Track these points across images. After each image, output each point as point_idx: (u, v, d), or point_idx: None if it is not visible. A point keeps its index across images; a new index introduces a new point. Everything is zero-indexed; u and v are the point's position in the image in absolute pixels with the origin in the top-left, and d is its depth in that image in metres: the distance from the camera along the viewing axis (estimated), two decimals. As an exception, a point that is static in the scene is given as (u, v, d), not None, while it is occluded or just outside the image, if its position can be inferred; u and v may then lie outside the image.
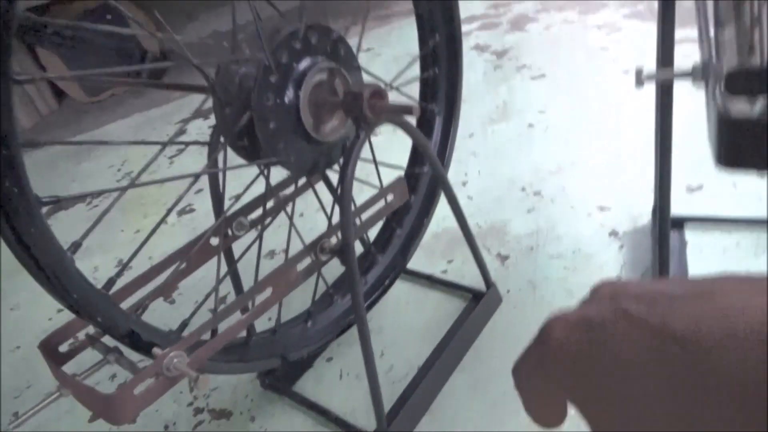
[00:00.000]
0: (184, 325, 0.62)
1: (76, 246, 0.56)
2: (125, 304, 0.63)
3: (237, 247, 0.80)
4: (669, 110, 0.72)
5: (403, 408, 0.80)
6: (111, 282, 0.58)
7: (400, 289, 1.04)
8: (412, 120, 0.79)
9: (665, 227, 0.73)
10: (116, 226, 1.53)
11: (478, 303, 0.95)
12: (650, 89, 0.78)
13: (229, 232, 0.76)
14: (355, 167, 0.64)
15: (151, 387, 0.55)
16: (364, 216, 0.75)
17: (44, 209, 0.51)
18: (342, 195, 0.63)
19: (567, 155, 1.29)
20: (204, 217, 1.46)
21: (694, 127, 0.81)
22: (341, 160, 0.69)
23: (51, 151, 2.17)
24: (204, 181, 1.66)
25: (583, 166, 1.24)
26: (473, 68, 1.79)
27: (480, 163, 1.36)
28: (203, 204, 1.52)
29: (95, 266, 1.38)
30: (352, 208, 0.69)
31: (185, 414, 0.94)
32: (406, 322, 1.00)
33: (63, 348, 0.62)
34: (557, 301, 0.94)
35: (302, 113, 0.66)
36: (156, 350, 0.56)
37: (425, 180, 0.97)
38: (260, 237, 0.77)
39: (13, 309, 1.32)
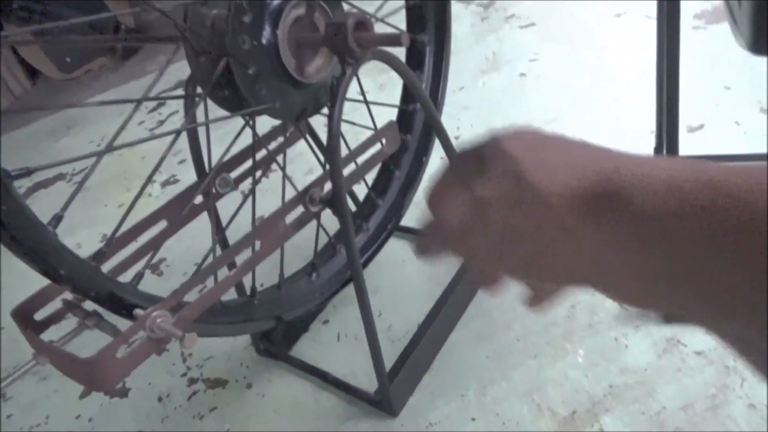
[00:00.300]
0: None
1: (57, 219, 0.52)
2: (107, 268, 0.58)
3: (226, 210, 0.76)
4: (676, 32, 0.67)
5: (404, 367, 0.77)
6: (100, 253, 0.54)
7: (396, 246, 1.00)
8: (402, 52, 0.74)
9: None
10: (99, 201, 1.47)
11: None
12: (648, 28, 0.73)
13: (214, 190, 0.72)
14: (342, 108, 0.59)
15: (135, 349, 0.51)
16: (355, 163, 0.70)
17: (20, 188, 0.47)
18: (330, 139, 0.59)
19: (561, 103, 1.25)
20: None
21: (691, 67, 0.76)
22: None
23: (28, 129, 2.09)
24: (186, 152, 1.60)
25: (579, 114, 1.20)
26: (459, 21, 1.73)
27: (472, 116, 1.31)
28: (187, 175, 1.47)
29: (78, 242, 1.33)
30: (342, 154, 0.65)
31: (179, 385, 0.91)
32: (403, 279, 0.96)
33: (40, 316, 0.58)
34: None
35: (282, 54, 0.61)
36: (138, 311, 0.52)
37: (420, 117, 0.92)
38: (253, 192, 0.73)
39: (-3, 290, 1.27)
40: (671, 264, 0.22)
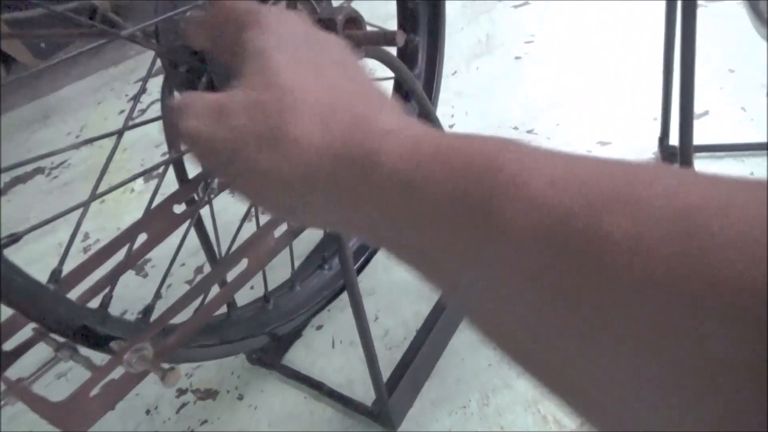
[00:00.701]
0: (149, 309, 0.54)
1: (13, 239, 0.46)
2: (78, 292, 0.54)
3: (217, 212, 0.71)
4: (692, 9, 0.61)
5: (403, 376, 0.73)
6: (56, 273, 0.49)
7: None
8: (394, 52, 0.69)
9: (688, 157, 0.65)
10: (80, 197, 1.41)
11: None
12: (653, 6, 0.68)
13: (196, 197, 0.67)
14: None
15: (112, 387, 0.47)
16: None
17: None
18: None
19: (560, 88, 1.20)
20: (174, 184, 1.35)
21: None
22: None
23: (4, 119, 2.01)
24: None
25: (579, 99, 1.15)
26: (450, 1, 1.66)
27: (466, 102, 1.26)
28: (170, 168, 1.41)
29: (60, 242, 1.27)
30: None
31: (168, 396, 0.87)
32: (399, 281, 0.92)
33: (9, 346, 0.54)
34: (562, 247, 0.87)
35: None
36: (116, 344, 0.48)
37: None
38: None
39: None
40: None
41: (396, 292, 0.91)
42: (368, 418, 0.74)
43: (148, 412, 0.85)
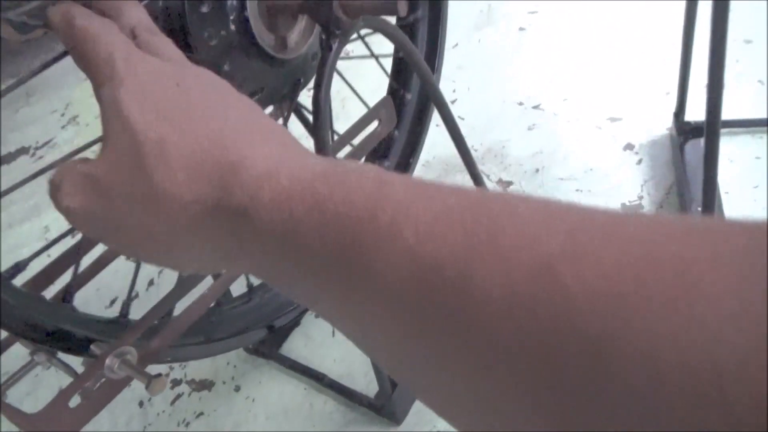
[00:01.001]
0: (126, 306, 0.50)
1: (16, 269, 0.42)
2: (51, 291, 0.49)
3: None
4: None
5: (407, 368, 0.69)
6: (18, 268, 0.44)
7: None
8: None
9: (714, 134, 0.61)
10: (65, 179, 1.36)
11: (482, 238, 0.83)
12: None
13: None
14: (329, 86, 0.49)
15: (93, 396, 0.43)
16: (346, 149, 0.61)
17: None
18: (317, 122, 0.49)
19: (566, 61, 1.14)
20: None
21: (706, 17, 0.67)
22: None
23: (-14, 98, 1.94)
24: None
25: (586, 73, 1.10)
26: (451, -31, 1.59)
27: (468, 77, 1.20)
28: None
29: (46, 225, 1.23)
30: (331, 140, 0.55)
31: (161, 388, 0.83)
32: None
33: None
34: (571, 229, 0.83)
35: (258, 34, 0.50)
36: (96, 348, 0.44)
37: (412, 101, 0.82)
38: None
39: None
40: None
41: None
42: (371, 412, 0.71)
43: (141, 404, 0.82)
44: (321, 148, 0.50)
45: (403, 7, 0.45)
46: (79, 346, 0.45)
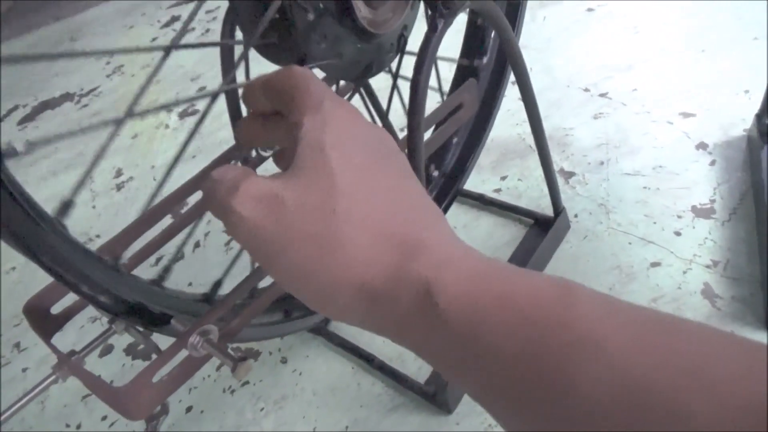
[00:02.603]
0: (218, 285, 0.48)
1: (64, 207, 0.40)
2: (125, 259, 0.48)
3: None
4: None
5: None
6: (66, 205, 0.42)
7: (458, 212, 0.90)
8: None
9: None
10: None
11: (543, 230, 0.81)
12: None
13: (254, 154, 0.60)
14: (430, 69, 0.46)
15: (174, 373, 0.42)
16: (428, 133, 0.58)
17: (26, 106, 0.35)
18: (413, 105, 0.47)
19: (637, 48, 1.09)
20: (211, 121, 1.28)
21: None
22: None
23: (30, 39, 1.93)
24: (207, 79, 1.46)
25: (659, 62, 1.05)
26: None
27: (531, 57, 1.15)
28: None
29: (90, 175, 1.22)
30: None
31: (207, 352, 0.83)
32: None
33: (57, 309, 0.49)
34: (637, 230, 0.80)
35: (356, 5, 0.47)
36: (177, 323, 0.43)
37: (484, 76, 0.79)
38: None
39: (4, 224, 1.18)
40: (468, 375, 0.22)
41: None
42: (421, 398, 0.70)
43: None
44: (414, 129, 0.48)
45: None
46: (159, 321, 0.44)
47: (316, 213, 0.24)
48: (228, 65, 0.54)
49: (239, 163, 0.60)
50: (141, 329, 0.45)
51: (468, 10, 0.55)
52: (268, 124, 0.30)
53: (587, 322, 0.19)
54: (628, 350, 0.18)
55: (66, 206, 0.40)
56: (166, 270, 0.50)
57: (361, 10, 0.48)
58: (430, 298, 0.22)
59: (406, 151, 0.49)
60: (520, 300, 0.21)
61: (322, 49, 0.49)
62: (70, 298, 0.49)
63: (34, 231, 0.34)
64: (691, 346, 0.18)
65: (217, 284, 0.50)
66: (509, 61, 0.59)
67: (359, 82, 0.57)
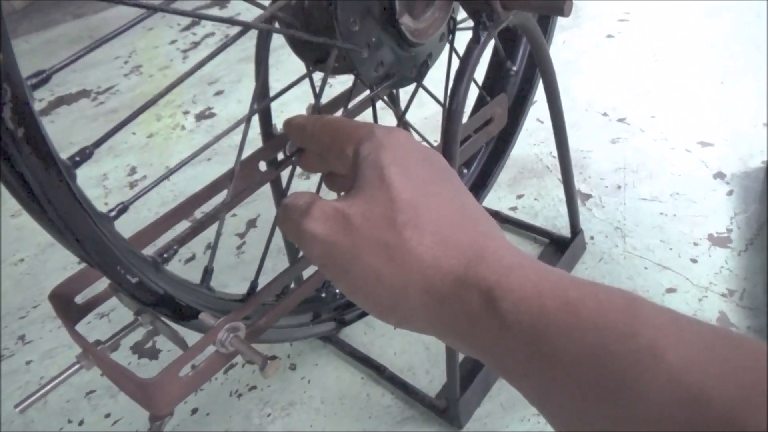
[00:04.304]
0: (253, 288, 0.48)
1: (121, 210, 0.40)
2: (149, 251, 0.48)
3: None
4: None
5: (478, 372, 0.68)
6: (121, 210, 0.42)
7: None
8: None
9: None
10: (126, 128, 1.34)
11: (559, 250, 0.81)
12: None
13: (282, 155, 0.60)
14: (471, 78, 0.47)
15: (200, 369, 0.42)
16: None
17: (41, 100, 0.35)
18: (450, 116, 0.47)
19: (656, 75, 1.10)
20: (227, 123, 1.29)
21: None
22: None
23: (48, 36, 1.94)
24: (224, 83, 1.46)
25: (678, 90, 1.06)
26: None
27: (550, 79, 1.17)
28: (225, 109, 1.34)
29: (104, 173, 1.22)
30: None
31: (215, 355, 0.82)
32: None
33: (80, 299, 0.49)
34: (653, 255, 0.80)
35: (399, 13, 0.48)
36: (206, 317, 0.43)
37: (510, 97, 0.80)
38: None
39: (14, 216, 1.18)
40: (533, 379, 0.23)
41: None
42: (431, 412, 0.69)
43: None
44: (449, 140, 0.48)
45: (569, 8, 0.43)
46: (187, 314, 0.44)
47: (381, 223, 0.26)
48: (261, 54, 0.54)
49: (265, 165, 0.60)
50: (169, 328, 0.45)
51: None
52: (325, 157, 0.33)
53: (651, 333, 0.19)
54: (689, 363, 0.18)
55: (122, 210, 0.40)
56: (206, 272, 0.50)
57: (404, 21, 0.49)
58: (495, 301, 0.23)
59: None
60: (587, 307, 0.21)
61: (355, 34, 0.49)
62: (91, 290, 0.49)
63: (89, 227, 0.34)
64: (750, 362, 0.18)
65: (253, 287, 0.50)
66: (541, 74, 0.59)
67: (378, 86, 0.57)
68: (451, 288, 0.24)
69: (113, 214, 0.37)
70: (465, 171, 0.79)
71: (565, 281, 0.23)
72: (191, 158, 0.44)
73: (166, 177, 0.43)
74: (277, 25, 0.49)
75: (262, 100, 0.60)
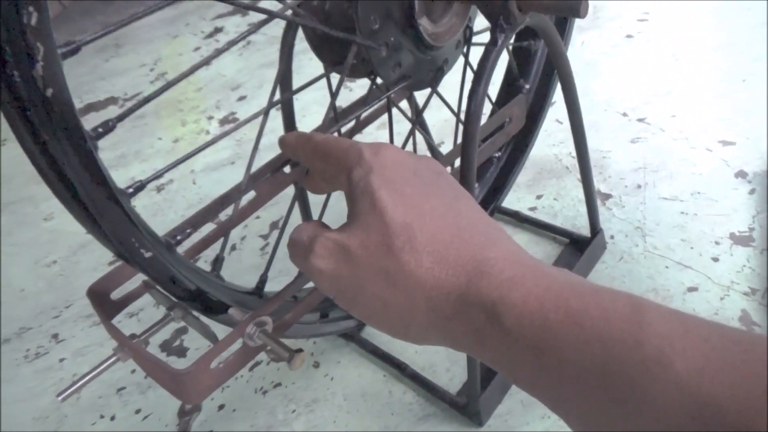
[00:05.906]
0: (263, 281, 0.50)
1: (138, 188, 0.42)
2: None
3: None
4: None
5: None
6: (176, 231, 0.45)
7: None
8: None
9: None
10: (153, 133, 1.39)
11: (578, 250, 0.81)
12: None
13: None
14: (489, 80, 0.48)
15: (229, 361, 0.44)
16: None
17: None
18: (469, 115, 0.48)
19: (676, 75, 1.10)
20: (250, 128, 1.31)
21: None
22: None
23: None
24: (247, 88, 1.50)
25: (698, 90, 1.05)
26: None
27: (569, 80, 1.17)
28: (247, 113, 1.37)
29: (132, 177, 1.26)
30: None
31: (240, 352, 0.85)
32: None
33: (117, 294, 0.51)
34: (674, 254, 0.80)
35: (418, 16, 0.49)
36: (235, 312, 0.44)
37: (528, 97, 0.80)
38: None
39: (47, 219, 1.22)
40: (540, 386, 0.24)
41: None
42: (453, 409, 0.70)
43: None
44: (468, 141, 0.49)
45: (585, 9, 0.44)
46: (216, 310, 0.46)
47: (379, 250, 0.26)
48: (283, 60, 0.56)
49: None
50: (200, 323, 0.47)
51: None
52: (327, 179, 0.34)
53: (657, 342, 0.19)
54: (698, 371, 0.18)
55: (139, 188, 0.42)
56: (217, 260, 0.52)
57: (422, 23, 0.50)
58: (498, 317, 0.23)
59: (459, 161, 0.51)
60: (591, 317, 0.21)
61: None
62: (125, 288, 0.51)
63: (109, 194, 0.36)
64: (761, 368, 0.18)
65: (264, 280, 0.52)
66: (559, 76, 0.60)
67: (391, 88, 0.58)
68: (455, 306, 0.25)
69: (131, 191, 0.39)
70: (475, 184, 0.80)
71: (566, 291, 0.23)
72: (209, 145, 0.46)
73: (182, 161, 0.45)
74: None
75: (283, 93, 0.62)
